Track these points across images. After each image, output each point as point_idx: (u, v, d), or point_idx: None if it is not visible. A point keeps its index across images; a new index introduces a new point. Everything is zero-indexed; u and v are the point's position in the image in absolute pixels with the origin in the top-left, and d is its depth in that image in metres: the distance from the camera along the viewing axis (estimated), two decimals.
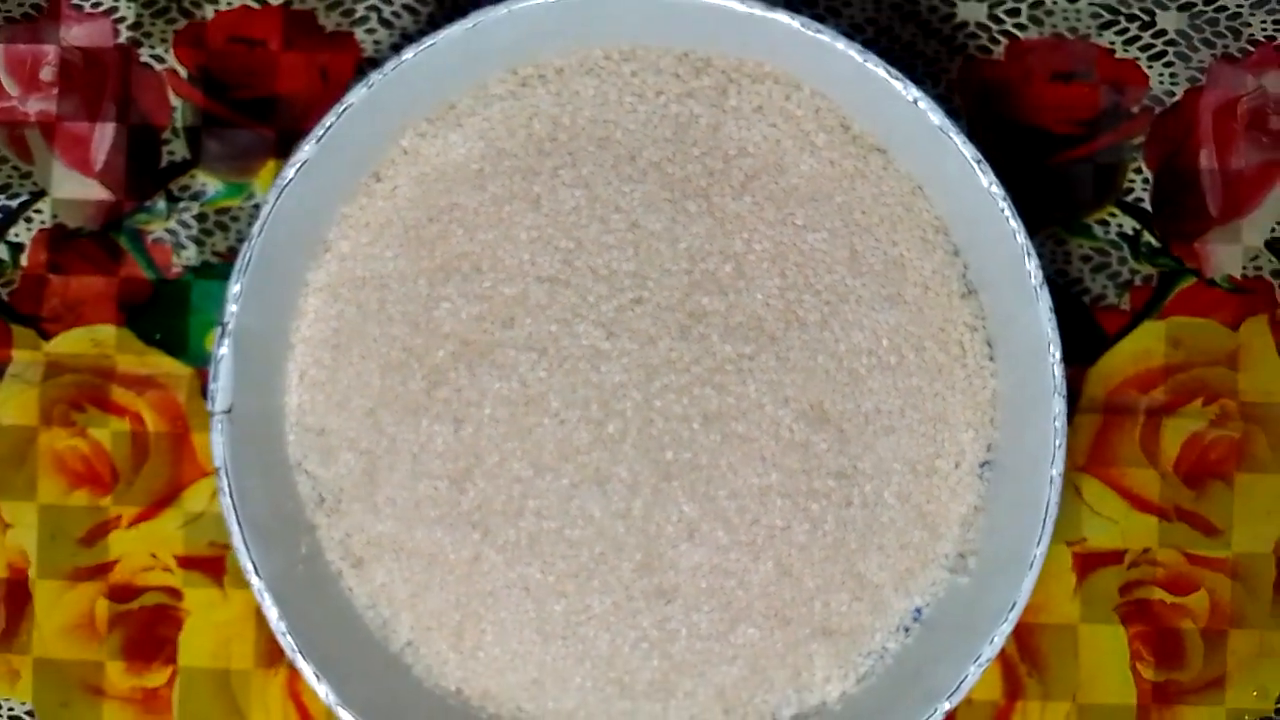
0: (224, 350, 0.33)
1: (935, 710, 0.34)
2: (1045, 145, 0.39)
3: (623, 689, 0.37)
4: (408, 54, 0.33)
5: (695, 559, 0.37)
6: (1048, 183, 0.39)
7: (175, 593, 0.40)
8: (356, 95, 0.33)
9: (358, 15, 0.40)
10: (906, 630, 0.37)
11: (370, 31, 0.40)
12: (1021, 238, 0.32)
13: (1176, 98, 0.39)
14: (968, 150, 0.32)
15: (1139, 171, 0.39)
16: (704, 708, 0.37)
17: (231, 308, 0.33)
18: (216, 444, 0.33)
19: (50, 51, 0.40)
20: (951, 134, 0.32)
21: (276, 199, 0.33)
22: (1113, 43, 0.39)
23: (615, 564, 0.37)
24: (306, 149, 0.33)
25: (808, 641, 0.37)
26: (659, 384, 0.37)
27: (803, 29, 0.33)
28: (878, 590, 0.37)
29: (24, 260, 0.40)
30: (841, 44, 0.33)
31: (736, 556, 0.37)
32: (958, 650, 0.35)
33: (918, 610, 0.37)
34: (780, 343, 0.37)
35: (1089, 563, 0.39)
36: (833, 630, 0.37)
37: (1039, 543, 0.33)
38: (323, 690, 0.34)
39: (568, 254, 0.37)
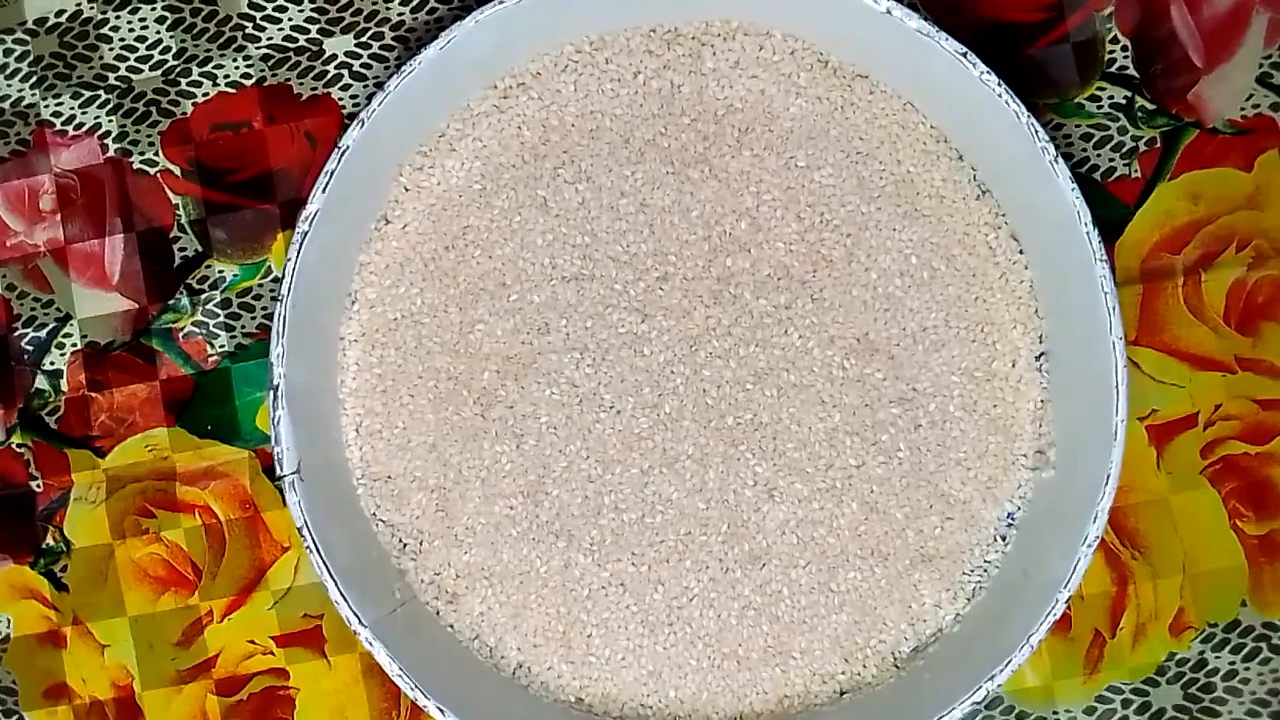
0: (280, 412, 0.34)
1: (1056, 603, 0.34)
2: (1018, 37, 0.39)
3: (739, 661, 0.37)
4: (391, 85, 0.34)
5: (780, 516, 0.37)
6: (1030, 72, 0.40)
7: (281, 673, 0.40)
8: (350, 138, 0.34)
9: (329, 76, 0.41)
10: (1003, 539, 0.37)
11: (345, 88, 0.41)
12: (1025, 118, 0.32)
13: None
14: (950, 45, 0.32)
15: (1115, 41, 0.40)
16: (823, 661, 0.37)
17: (278, 370, 0.34)
18: (293, 504, 0.34)
19: (45, 181, 0.41)
20: (932, 34, 0.32)
21: (297, 255, 0.33)
22: None
23: (703, 540, 0.37)
24: (315, 200, 0.34)
25: (909, 572, 0.37)
26: (703, 353, 0.37)
27: None
28: (966, 505, 0.37)
29: (64, 385, 0.40)
30: None
31: (820, 505, 0.37)
32: (1061, 541, 0.35)
33: (1010, 516, 0.37)
34: (812, 285, 0.37)
35: (1165, 433, 0.39)
36: (931, 555, 0.37)
37: (1117, 412, 0.33)
38: None
39: (585, 249, 0.37)
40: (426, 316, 0.38)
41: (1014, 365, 0.37)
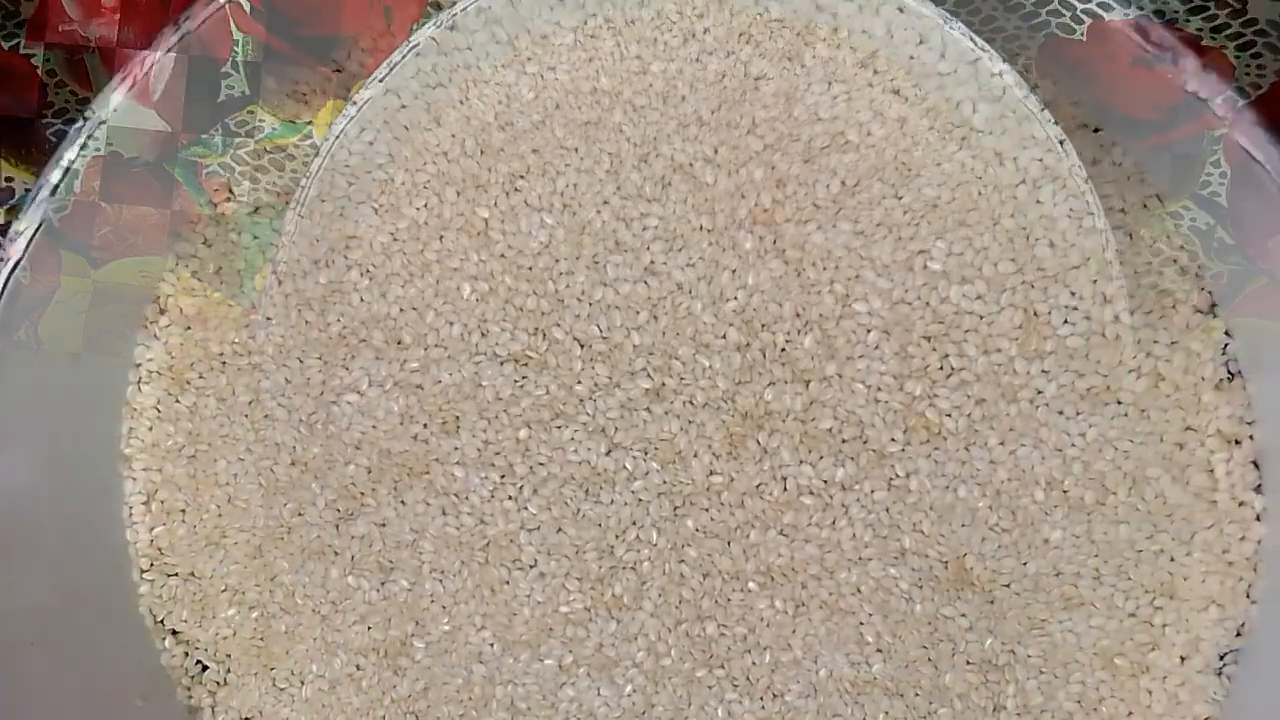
0: None
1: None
2: (1123, 129, 0.37)
3: None
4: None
5: None
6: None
7: None
8: (422, 35, 0.30)
9: None
10: None
11: None
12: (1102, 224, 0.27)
13: (1263, 90, 0.39)
14: (1051, 129, 0.28)
15: (1216, 165, 0.37)
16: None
17: None
18: None
19: None
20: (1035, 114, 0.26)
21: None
22: (1200, 29, 0.39)
23: None
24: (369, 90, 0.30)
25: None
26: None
27: None
28: None
29: (77, 186, 0.39)
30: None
31: None
32: None
33: None
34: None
35: None
36: None
37: None
38: None
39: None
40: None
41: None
